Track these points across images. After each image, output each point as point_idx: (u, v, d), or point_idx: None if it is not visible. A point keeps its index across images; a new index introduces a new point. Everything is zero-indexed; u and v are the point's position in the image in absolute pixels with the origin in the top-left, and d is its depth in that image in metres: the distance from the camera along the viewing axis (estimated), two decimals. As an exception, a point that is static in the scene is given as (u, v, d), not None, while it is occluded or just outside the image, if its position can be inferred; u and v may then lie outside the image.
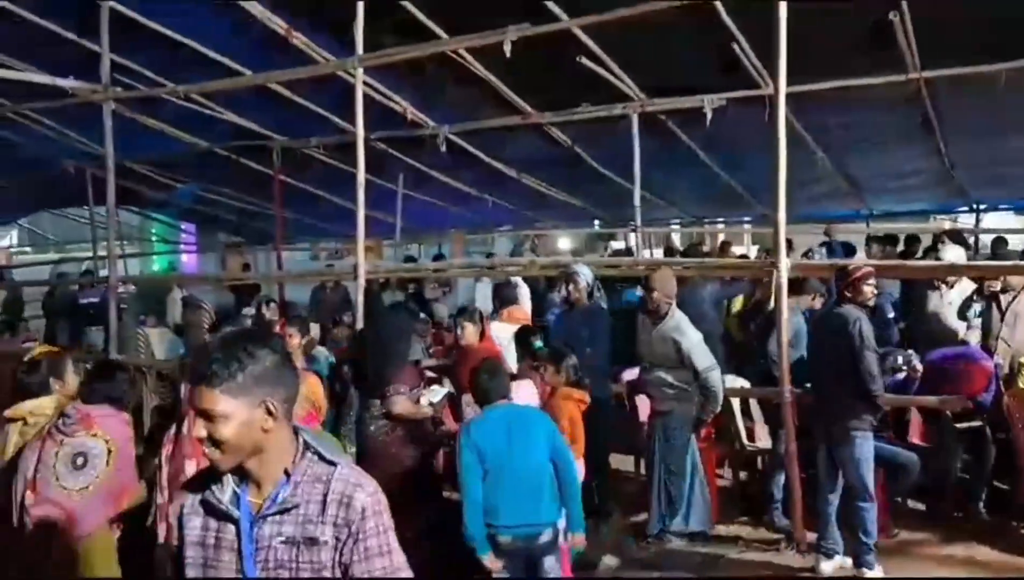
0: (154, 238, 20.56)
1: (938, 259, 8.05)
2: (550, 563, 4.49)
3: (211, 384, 2.01)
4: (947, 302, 7.89)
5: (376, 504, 2.10)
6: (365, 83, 7.59)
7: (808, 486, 5.91)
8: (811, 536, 5.83)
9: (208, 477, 2.13)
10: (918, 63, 7.42)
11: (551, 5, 7.04)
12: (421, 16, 7.42)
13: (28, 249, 23.90)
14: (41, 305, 14.18)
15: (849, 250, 11.15)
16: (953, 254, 8.25)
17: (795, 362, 6.10)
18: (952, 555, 5.84)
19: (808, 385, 5.96)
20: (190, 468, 3.73)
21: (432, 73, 8.39)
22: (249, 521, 2.08)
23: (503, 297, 8.23)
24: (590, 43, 7.56)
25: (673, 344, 6.03)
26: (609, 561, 5.77)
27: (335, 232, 15.30)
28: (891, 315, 8.71)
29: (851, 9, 6.82)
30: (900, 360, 6.86)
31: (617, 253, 13.04)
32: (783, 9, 5.80)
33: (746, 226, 15.98)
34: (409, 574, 2.14)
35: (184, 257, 20.42)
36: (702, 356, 6.03)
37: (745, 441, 7.01)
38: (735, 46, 7.32)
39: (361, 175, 7.41)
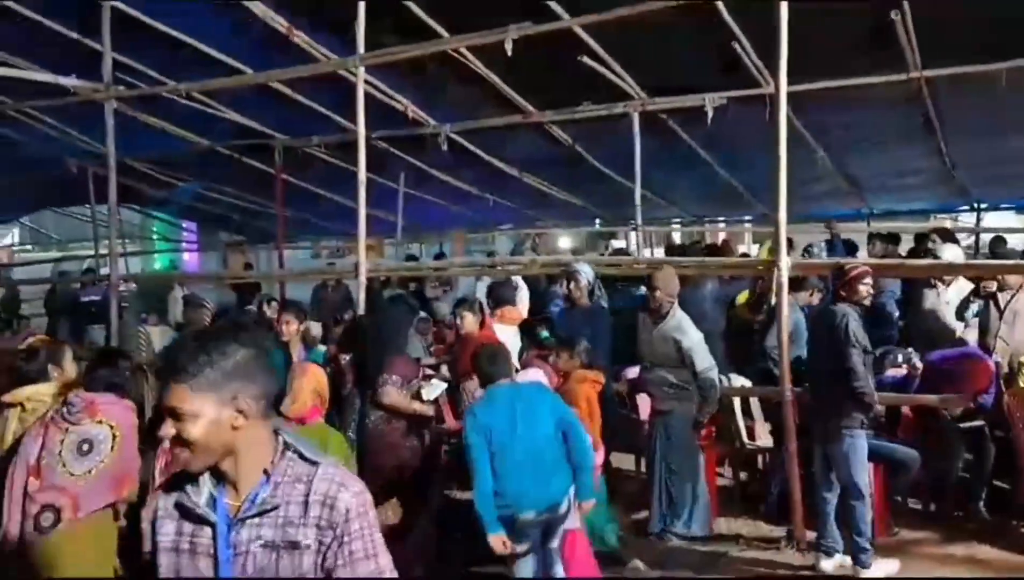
0: (155, 236, 20.56)
1: (935, 258, 8.05)
2: (560, 532, 4.59)
3: (178, 380, 1.92)
4: (944, 300, 7.90)
5: (361, 505, 2.00)
6: (366, 82, 7.59)
7: (808, 484, 5.93)
8: (812, 535, 5.85)
9: (183, 479, 2.02)
10: (919, 62, 7.42)
11: (552, 4, 7.04)
12: (422, 15, 7.42)
13: (30, 247, 23.93)
14: (43, 303, 14.20)
15: (851, 248, 11.16)
16: (951, 253, 8.26)
17: (793, 359, 6.11)
18: (953, 554, 5.84)
19: (806, 383, 5.98)
20: None
21: (433, 72, 8.39)
22: (226, 524, 1.96)
23: (497, 297, 8.22)
24: (591, 42, 7.56)
25: (674, 343, 6.05)
26: (638, 563, 5.71)
27: (336, 231, 15.31)
28: (896, 314, 8.72)
29: (852, 8, 6.82)
30: (900, 358, 6.87)
31: (618, 252, 13.05)
32: (784, 8, 5.81)
33: (747, 225, 15.98)
34: (395, 575, 2.04)
35: (185, 255, 20.43)
36: (702, 356, 6.04)
37: (745, 439, 7.03)
38: (736, 45, 7.32)
39: (362, 174, 7.42)
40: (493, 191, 12.54)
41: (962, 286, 7.93)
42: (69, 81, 8.49)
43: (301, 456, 2.02)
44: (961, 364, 6.59)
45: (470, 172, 11.54)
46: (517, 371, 5.49)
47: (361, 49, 7.20)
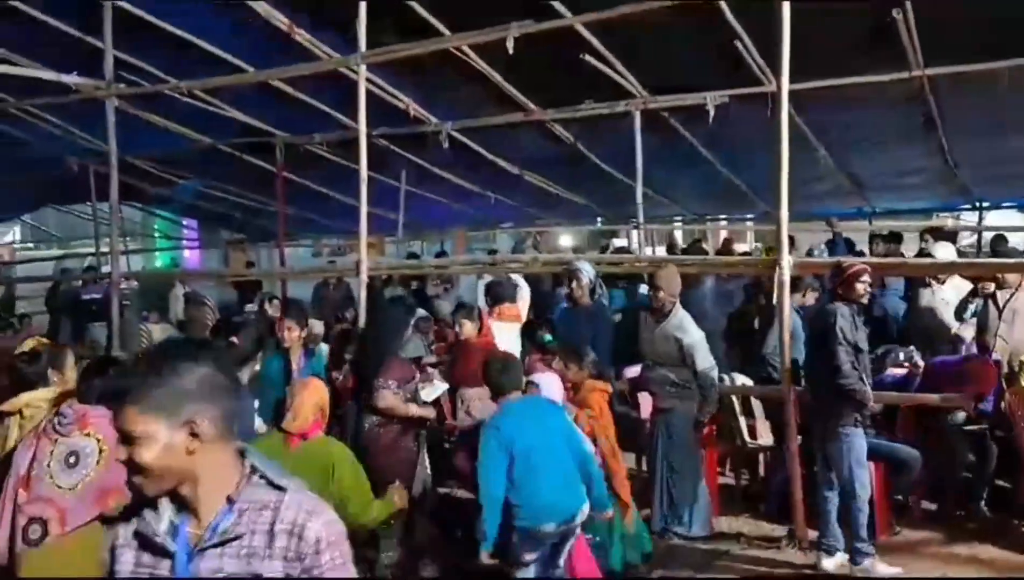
0: (157, 234, 20.58)
1: (928, 256, 8.07)
2: (571, 543, 4.64)
3: (127, 402, 1.79)
4: (939, 297, 7.91)
5: (333, 534, 1.85)
6: (368, 80, 7.59)
7: (809, 483, 5.93)
8: (813, 533, 5.84)
9: (144, 505, 1.87)
10: (921, 61, 7.41)
11: (554, 2, 7.02)
12: (424, 13, 7.41)
13: (31, 245, 23.95)
14: (44, 301, 14.21)
15: (851, 247, 11.15)
16: (944, 252, 8.26)
17: (792, 360, 6.11)
18: (955, 553, 5.84)
19: (805, 382, 5.98)
20: None
21: (435, 70, 8.38)
22: (186, 554, 1.82)
23: (495, 295, 8.24)
24: (593, 40, 7.55)
25: (675, 342, 6.05)
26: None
27: (338, 228, 15.30)
28: (898, 311, 8.72)
29: (853, 7, 6.81)
30: (902, 356, 6.87)
31: (619, 250, 13.04)
32: (786, 7, 5.80)
33: (748, 224, 15.97)
34: None
35: (187, 253, 20.43)
36: (703, 355, 6.05)
37: (747, 438, 7.03)
38: (737, 44, 7.31)
39: (363, 172, 7.42)
40: (494, 189, 12.53)
41: (958, 284, 7.94)
42: (71, 79, 8.49)
43: (268, 481, 1.88)
44: (965, 366, 6.59)
45: (471, 170, 11.53)
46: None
47: (363, 47, 7.20)
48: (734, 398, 7.01)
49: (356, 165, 7.49)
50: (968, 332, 7.37)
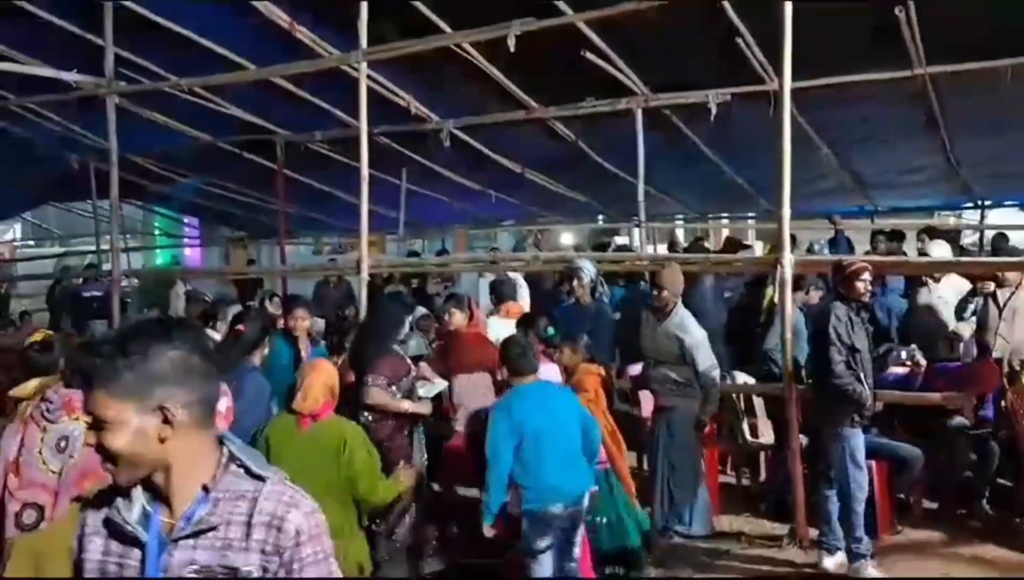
0: (157, 232, 20.58)
1: (924, 256, 8.06)
2: (581, 531, 4.76)
3: (95, 385, 1.70)
4: (936, 295, 7.90)
5: (314, 526, 1.77)
6: (369, 77, 7.58)
7: (811, 482, 5.92)
8: (814, 532, 5.84)
9: (115, 491, 1.78)
10: (923, 59, 7.39)
11: (556, 0, 7.02)
12: (425, 10, 7.40)
13: (32, 243, 23.95)
14: (45, 299, 14.22)
15: (849, 246, 11.15)
16: (940, 250, 8.25)
17: (793, 359, 6.09)
18: (957, 552, 5.84)
19: (809, 381, 5.97)
20: None
21: (436, 68, 8.38)
22: (158, 544, 1.73)
23: (500, 293, 8.26)
24: (594, 38, 7.53)
25: (677, 341, 6.03)
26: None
27: (338, 226, 15.29)
28: (898, 309, 8.71)
29: (856, 5, 6.80)
30: (904, 355, 6.86)
31: (621, 248, 13.02)
32: (788, 5, 5.79)
33: (750, 222, 15.95)
34: None
35: (187, 251, 20.44)
36: (705, 354, 6.03)
37: (748, 437, 7.02)
38: (739, 41, 7.30)
39: (364, 170, 7.41)
40: (496, 187, 12.52)
41: (955, 282, 7.94)
42: (71, 76, 8.49)
43: (247, 470, 1.78)
44: (966, 370, 6.58)
45: (472, 168, 11.52)
46: None
47: (363, 44, 7.19)
48: (735, 397, 7.00)
49: (357, 163, 7.48)
50: (966, 330, 7.36)
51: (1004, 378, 6.33)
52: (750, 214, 15.39)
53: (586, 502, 4.75)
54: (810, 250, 10.31)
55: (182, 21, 8.15)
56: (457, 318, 6.67)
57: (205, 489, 1.75)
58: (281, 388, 5.06)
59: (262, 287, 12.22)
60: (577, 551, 4.78)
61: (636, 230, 10.64)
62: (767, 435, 7.07)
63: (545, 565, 4.66)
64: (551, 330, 6.26)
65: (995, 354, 6.75)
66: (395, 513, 5.02)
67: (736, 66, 7.70)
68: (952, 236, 11.22)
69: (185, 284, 11.89)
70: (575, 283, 6.72)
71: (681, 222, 15.72)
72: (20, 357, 4.40)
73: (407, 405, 5.45)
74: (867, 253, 10.16)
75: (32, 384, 4.09)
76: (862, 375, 5.47)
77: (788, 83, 5.94)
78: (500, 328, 7.07)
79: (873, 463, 5.77)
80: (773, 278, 6.46)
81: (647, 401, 6.80)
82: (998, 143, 9.60)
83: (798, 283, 7.00)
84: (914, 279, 8.25)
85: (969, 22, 6.83)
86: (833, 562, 5.58)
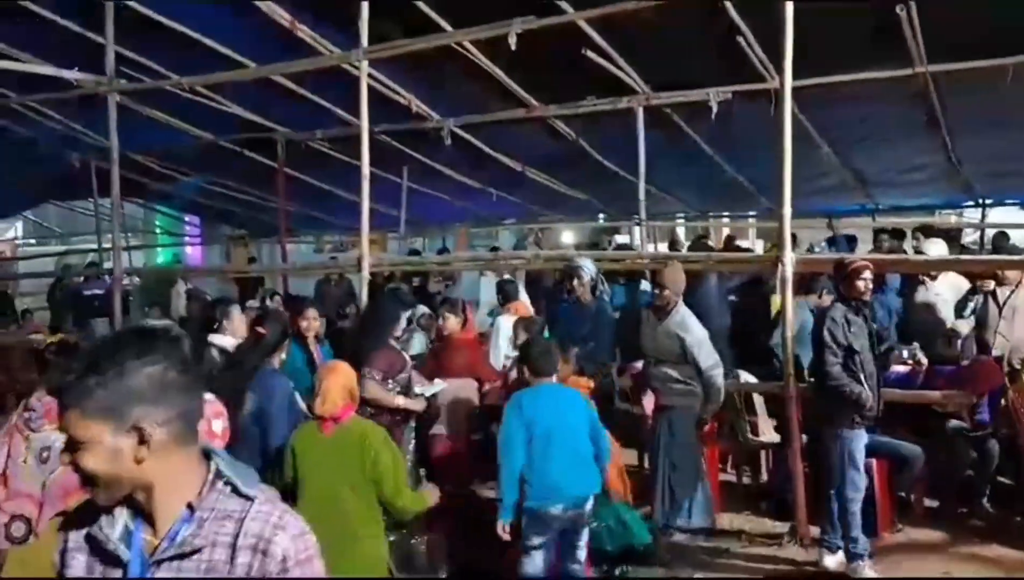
0: (158, 230, 20.59)
1: (919, 253, 8.07)
2: (585, 535, 4.80)
3: (68, 404, 1.61)
4: (934, 293, 7.89)
5: (303, 550, 1.67)
6: (369, 76, 7.58)
7: (812, 480, 5.92)
8: (815, 530, 5.84)
9: (98, 506, 1.69)
10: (924, 57, 7.39)
11: (557, -2, 7.02)
12: (426, 8, 7.40)
13: (33, 241, 23.95)
14: (46, 297, 14.23)
15: (851, 244, 11.13)
16: (936, 248, 8.25)
17: (795, 357, 6.09)
18: (958, 551, 5.83)
19: (811, 380, 5.97)
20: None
21: (436, 66, 8.37)
22: (140, 564, 1.65)
23: (507, 293, 8.32)
24: (595, 36, 7.53)
25: (678, 339, 6.03)
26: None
27: (339, 225, 15.30)
28: (896, 307, 8.71)
29: (857, 3, 6.79)
30: (906, 354, 6.86)
31: (621, 247, 13.02)
32: (789, 3, 5.78)
33: (751, 220, 15.93)
34: None
35: (188, 249, 20.45)
36: (706, 353, 6.02)
37: (749, 435, 7.02)
38: (740, 39, 7.29)
39: (365, 168, 7.41)
40: (496, 186, 12.52)
41: (953, 280, 7.93)
42: (72, 75, 8.49)
43: (234, 488, 1.69)
44: (965, 370, 6.58)
45: (473, 167, 11.52)
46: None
47: (364, 43, 7.19)
48: (736, 395, 6.99)
49: (358, 161, 7.48)
50: (964, 328, 7.36)
51: (1005, 377, 6.33)
52: (751, 212, 15.38)
53: (589, 506, 4.77)
54: (810, 250, 10.29)
55: (183, 20, 8.15)
56: (451, 323, 6.69)
57: (190, 507, 1.66)
58: (298, 390, 5.07)
59: (263, 285, 12.21)
60: (581, 554, 4.83)
61: (637, 229, 10.63)
62: (768, 434, 7.08)
63: (536, 562, 4.71)
64: (546, 334, 6.28)
65: (995, 352, 6.75)
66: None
67: (737, 64, 7.69)
68: (953, 234, 11.23)
69: (186, 283, 11.90)
70: (575, 282, 6.71)
71: (682, 221, 15.72)
72: (37, 358, 4.38)
73: (401, 400, 5.47)
74: (870, 252, 10.16)
75: None
76: (862, 376, 5.43)
77: (789, 81, 5.93)
78: (509, 326, 7.12)
79: (874, 461, 5.77)
80: (773, 277, 6.46)
81: (648, 400, 6.79)
82: (999, 142, 9.58)
83: (810, 286, 7.00)
84: (912, 277, 8.24)
85: (970, 21, 6.82)
86: (834, 560, 5.58)
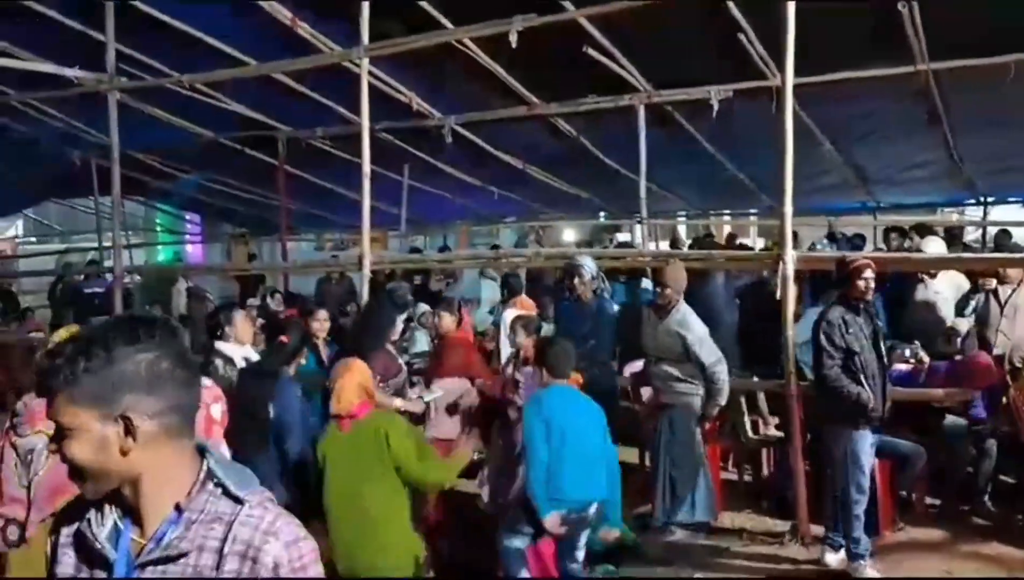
0: (159, 228, 20.59)
1: (918, 252, 8.05)
2: (585, 536, 4.84)
3: (56, 389, 1.54)
4: (934, 291, 7.88)
5: (297, 558, 1.56)
6: (370, 74, 7.57)
7: (812, 479, 5.91)
8: (816, 529, 5.83)
9: (89, 502, 1.62)
10: (926, 55, 7.38)
11: (558, -4, 7.01)
12: (427, 6, 7.39)
13: (33, 239, 23.96)
14: (47, 295, 14.22)
15: (855, 243, 11.11)
16: (935, 246, 8.24)
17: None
18: (959, 550, 5.81)
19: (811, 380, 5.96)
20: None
21: (437, 64, 8.37)
22: (125, 565, 1.57)
23: (512, 287, 8.35)
24: (596, 34, 7.53)
25: (678, 338, 6.01)
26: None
27: (340, 223, 15.29)
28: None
29: (858, 3, 6.79)
30: (908, 353, 6.84)
31: (622, 245, 13.02)
32: (791, 1, 5.77)
33: (752, 218, 15.92)
34: None
35: (189, 247, 20.45)
36: (708, 351, 6.00)
37: (750, 433, 7.01)
38: (742, 37, 7.28)
39: (366, 166, 7.41)
40: (497, 184, 12.51)
41: (952, 278, 7.92)
42: (73, 72, 8.49)
43: (225, 490, 1.59)
44: (958, 365, 6.57)
45: (474, 165, 11.52)
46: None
47: (365, 40, 7.18)
48: (738, 394, 6.98)
49: (359, 159, 7.47)
50: (964, 326, 7.34)
51: (1007, 375, 6.31)
52: (752, 210, 15.37)
53: (592, 510, 4.79)
54: (811, 248, 10.26)
55: (184, 18, 8.15)
56: (446, 322, 6.69)
57: (178, 508, 1.57)
58: (308, 391, 5.11)
59: (264, 283, 12.21)
60: (580, 554, 4.84)
61: (638, 227, 10.62)
62: (770, 432, 7.07)
63: (518, 544, 4.84)
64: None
65: (996, 351, 6.73)
66: None
67: (738, 62, 7.69)
68: (955, 232, 11.21)
69: (187, 281, 11.88)
70: (576, 280, 6.69)
71: (683, 219, 15.71)
72: (48, 353, 4.35)
73: (398, 402, 5.48)
74: (875, 250, 10.15)
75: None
76: (862, 377, 5.38)
77: (791, 79, 5.92)
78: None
79: (875, 460, 5.75)
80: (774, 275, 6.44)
81: (648, 397, 6.78)
82: (1001, 139, 9.57)
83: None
84: (910, 276, 8.22)
85: (972, 18, 6.82)
86: (836, 559, 5.57)
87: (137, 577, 1.56)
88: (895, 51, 7.35)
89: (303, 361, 5.37)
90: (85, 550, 1.62)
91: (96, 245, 14.75)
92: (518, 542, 4.87)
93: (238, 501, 1.58)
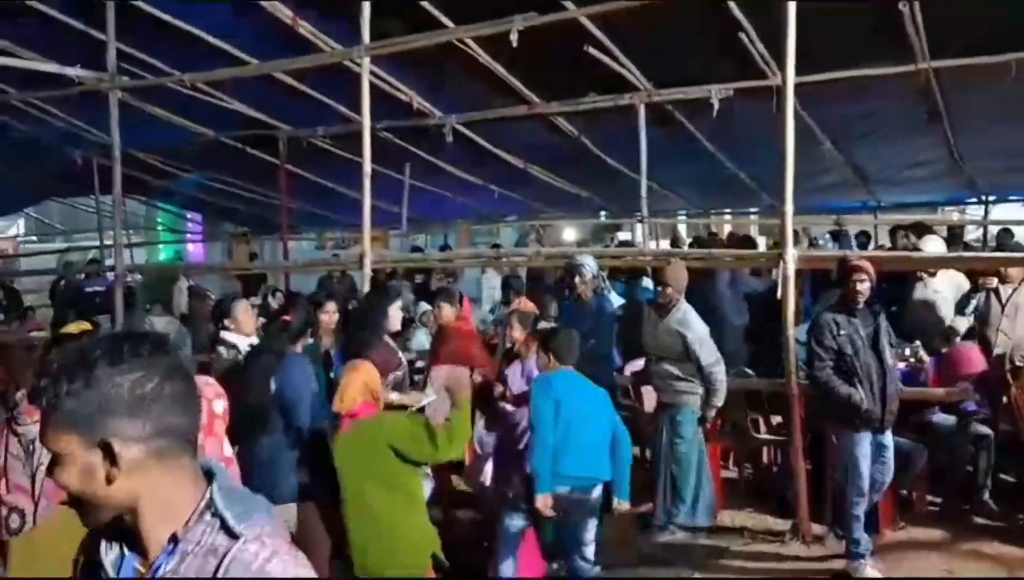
0: (160, 227, 20.60)
1: (916, 250, 8.05)
2: (592, 528, 4.88)
3: (42, 409, 1.46)
4: (933, 290, 7.88)
5: None
6: (371, 73, 7.57)
7: (812, 478, 5.91)
8: (817, 528, 5.83)
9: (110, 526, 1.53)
10: (927, 53, 7.37)
11: (558, -5, 7.01)
12: (428, 5, 7.39)
13: (35, 238, 23.98)
14: (48, 294, 14.24)
15: (863, 237, 11.09)
16: (933, 245, 8.23)
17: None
18: (960, 549, 5.81)
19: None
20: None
21: (438, 63, 8.37)
22: None
23: (513, 287, 8.34)
24: (597, 33, 7.53)
25: (679, 337, 6.01)
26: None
27: (341, 222, 15.31)
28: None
29: (858, 3, 6.79)
30: (908, 352, 6.84)
31: (623, 244, 13.01)
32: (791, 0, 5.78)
33: (753, 217, 15.93)
34: None
35: (190, 246, 20.46)
36: (708, 351, 6.01)
37: (751, 432, 7.01)
38: (742, 36, 7.28)
39: (367, 165, 7.41)
40: (498, 183, 12.52)
41: (952, 277, 7.91)
42: (73, 71, 8.49)
43: (222, 521, 1.46)
44: (948, 356, 6.58)
45: (475, 164, 11.52)
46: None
47: (366, 40, 7.18)
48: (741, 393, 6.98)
49: (360, 158, 7.47)
50: (963, 325, 7.34)
51: (1007, 374, 6.31)
52: (752, 209, 15.38)
53: (596, 493, 4.84)
54: (812, 244, 10.28)
55: (185, 17, 8.15)
56: (446, 312, 6.56)
57: (174, 539, 1.47)
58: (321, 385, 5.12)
59: (265, 282, 12.22)
60: (588, 550, 4.86)
61: (639, 226, 10.62)
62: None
63: (518, 523, 4.90)
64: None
65: (998, 350, 6.72)
66: None
67: (739, 61, 7.69)
68: (956, 231, 11.21)
69: (188, 280, 11.89)
70: (577, 279, 6.69)
71: (684, 217, 15.71)
72: (21, 363, 4.37)
73: (395, 396, 5.48)
74: (878, 248, 10.14)
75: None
76: (856, 379, 5.36)
77: (791, 78, 5.92)
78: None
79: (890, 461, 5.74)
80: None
81: (650, 397, 6.79)
82: (1002, 138, 9.58)
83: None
84: (909, 275, 8.22)
85: (973, 17, 6.82)
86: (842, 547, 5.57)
87: None
88: (896, 50, 7.35)
89: (309, 340, 5.35)
90: (95, 577, 1.54)
91: (97, 244, 14.76)
92: (519, 521, 4.93)
93: (233, 535, 1.45)
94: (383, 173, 10.22)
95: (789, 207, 5.98)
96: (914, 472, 6.27)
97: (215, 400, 3.75)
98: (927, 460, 6.28)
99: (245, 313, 5.74)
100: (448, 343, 6.38)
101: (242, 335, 5.54)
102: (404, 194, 11.70)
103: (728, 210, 16.13)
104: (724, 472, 7.15)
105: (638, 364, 6.88)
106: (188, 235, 20.11)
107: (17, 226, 25.04)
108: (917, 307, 7.98)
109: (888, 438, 5.51)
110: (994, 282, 7.05)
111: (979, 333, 7.06)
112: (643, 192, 9.21)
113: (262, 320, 6.72)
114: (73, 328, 4.09)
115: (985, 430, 6.37)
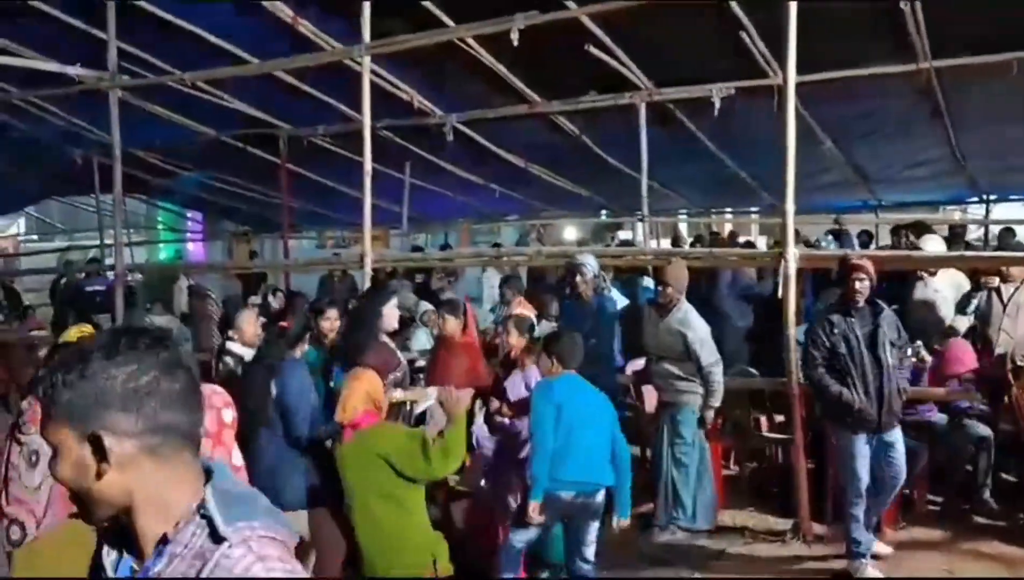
0: (161, 226, 20.60)
1: (916, 249, 8.04)
2: (594, 532, 4.86)
3: (40, 400, 1.46)
4: (933, 289, 7.87)
5: None
6: (372, 71, 7.57)
7: (815, 477, 5.90)
8: (817, 527, 5.83)
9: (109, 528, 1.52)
10: (928, 53, 7.36)
11: (559, -6, 7.00)
12: (428, 4, 7.38)
13: (35, 237, 23.97)
14: (48, 293, 14.24)
15: (864, 236, 11.07)
16: (933, 244, 8.22)
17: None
18: (961, 548, 5.81)
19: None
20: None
21: (439, 62, 8.36)
22: None
23: (514, 288, 8.31)
24: (598, 32, 7.52)
25: (679, 336, 6.01)
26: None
27: (342, 221, 15.30)
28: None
29: (860, 2, 6.78)
30: (909, 351, 6.82)
31: (624, 243, 13.00)
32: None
33: (753, 217, 15.92)
34: None
35: (191, 245, 20.46)
36: (708, 350, 6.01)
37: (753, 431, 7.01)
38: (743, 35, 7.27)
39: (368, 164, 7.41)
40: (499, 182, 12.51)
41: (952, 277, 7.89)
42: (74, 70, 8.49)
43: (211, 525, 1.41)
44: (941, 353, 6.58)
45: (476, 163, 11.51)
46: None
47: (366, 38, 7.18)
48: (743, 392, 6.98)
49: (360, 157, 7.47)
50: (963, 324, 7.33)
51: (1008, 374, 6.30)
52: (753, 209, 15.37)
53: (600, 497, 4.83)
54: (810, 245, 10.25)
55: (185, 16, 8.14)
56: (451, 325, 6.30)
57: (163, 541, 1.43)
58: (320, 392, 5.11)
59: (265, 281, 12.22)
60: (589, 551, 4.85)
61: (639, 225, 10.61)
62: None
63: (530, 534, 4.88)
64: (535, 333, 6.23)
65: (999, 350, 6.71)
66: None
67: (740, 60, 7.67)
68: (957, 231, 11.19)
69: (188, 279, 11.89)
70: (577, 279, 6.68)
71: (684, 217, 15.70)
72: (22, 363, 4.36)
73: (398, 393, 5.42)
74: (880, 248, 10.12)
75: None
76: (849, 379, 5.34)
77: (792, 77, 5.91)
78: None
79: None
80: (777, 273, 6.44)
81: (651, 397, 6.78)
82: (1003, 137, 9.56)
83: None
84: (909, 274, 8.21)
85: (974, 16, 6.81)
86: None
87: None
88: (897, 49, 7.34)
89: (307, 347, 5.34)
90: (98, 577, 1.52)
91: (98, 243, 14.75)
92: (524, 536, 4.90)
93: (219, 540, 1.39)
94: (384, 172, 10.21)
95: (790, 206, 5.98)
96: (914, 472, 6.26)
97: (224, 409, 3.71)
98: (927, 460, 6.27)
99: (249, 323, 5.72)
100: (455, 364, 6.14)
101: (246, 346, 5.55)
102: (405, 193, 11.68)
103: (729, 209, 16.11)
104: (725, 471, 7.14)
105: (639, 364, 6.87)
106: (188, 234, 20.10)
107: (17, 225, 25.03)
108: (917, 307, 7.97)
109: (894, 436, 5.47)
110: (995, 281, 7.04)
111: (980, 332, 7.05)
112: (644, 191, 9.20)
113: (262, 320, 6.73)
114: (74, 334, 4.07)
115: (985, 430, 6.37)
